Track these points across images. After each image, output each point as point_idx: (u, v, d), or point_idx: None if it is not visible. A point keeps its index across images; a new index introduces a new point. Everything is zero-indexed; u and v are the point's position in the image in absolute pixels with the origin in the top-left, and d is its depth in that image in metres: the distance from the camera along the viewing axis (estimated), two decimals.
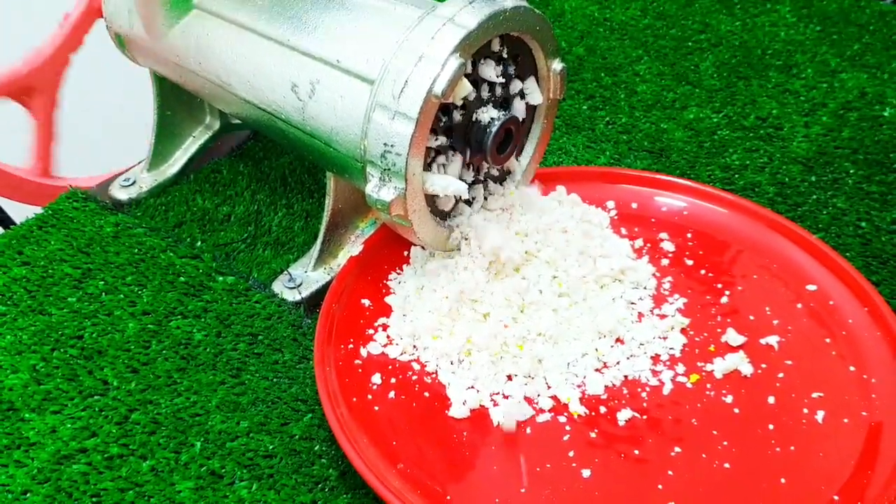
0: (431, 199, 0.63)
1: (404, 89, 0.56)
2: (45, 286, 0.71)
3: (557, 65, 0.65)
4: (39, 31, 0.84)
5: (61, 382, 0.63)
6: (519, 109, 0.66)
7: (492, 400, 0.60)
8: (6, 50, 0.84)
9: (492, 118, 0.62)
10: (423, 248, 0.67)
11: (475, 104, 0.62)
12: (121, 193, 0.81)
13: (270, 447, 0.59)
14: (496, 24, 0.58)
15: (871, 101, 0.91)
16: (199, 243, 0.76)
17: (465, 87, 0.58)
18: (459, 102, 0.60)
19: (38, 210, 0.79)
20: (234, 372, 0.64)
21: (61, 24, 0.83)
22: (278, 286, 0.71)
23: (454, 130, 0.61)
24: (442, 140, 0.60)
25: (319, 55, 0.62)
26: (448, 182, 0.60)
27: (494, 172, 0.68)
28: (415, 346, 0.63)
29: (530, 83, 0.65)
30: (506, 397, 0.60)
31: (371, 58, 0.59)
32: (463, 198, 0.66)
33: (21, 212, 0.82)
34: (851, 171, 0.82)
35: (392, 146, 0.57)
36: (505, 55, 0.62)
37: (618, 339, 0.64)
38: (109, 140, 0.96)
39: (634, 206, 0.75)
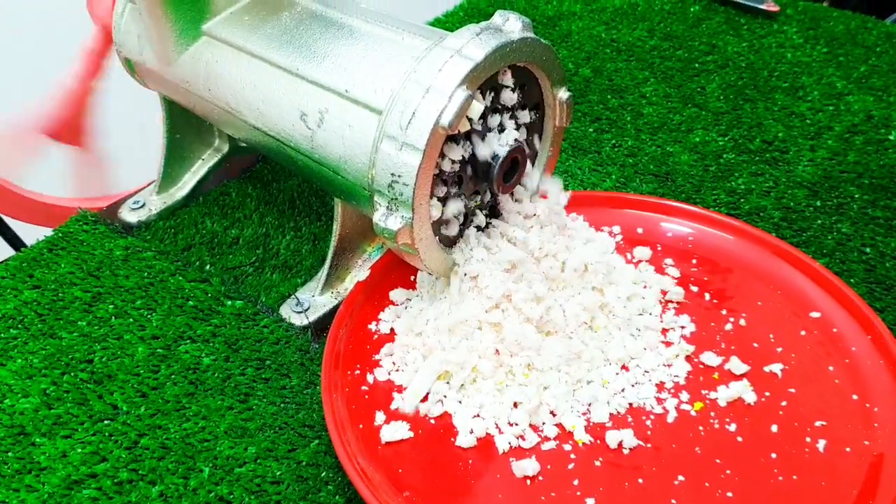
0: (438, 228, 0.63)
1: (412, 121, 0.57)
2: (55, 310, 0.72)
3: (563, 93, 0.66)
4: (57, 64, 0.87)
5: (71, 407, 0.64)
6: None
7: (497, 427, 0.60)
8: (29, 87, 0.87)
9: (498, 147, 0.62)
10: (429, 273, 0.68)
11: (482, 133, 0.62)
12: (130, 216, 0.82)
13: (278, 473, 0.60)
14: (503, 55, 0.59)
15: (876, 124, 0.92)
16: (207, 267, 0.77)
17: (477, 109, 0.59)
18: (472, 124, 0.60)
19: (49, 232, 0.80)
20: (242, 397, 0.65)
21: (82, 55, 0.85)
22: (286, 310, 0.71)
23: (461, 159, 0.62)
24: (449, 169, 0.61)
25: (328, 84, 0.63)
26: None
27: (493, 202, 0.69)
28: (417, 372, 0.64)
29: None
30: (511, 425, 0.60)
31: (379, 88, 0.60)
32: (471, 224, 0.66)
33: (31, 233, 0.83)
34: (857, 196, 0.82)
35: (399, 176, 0.57)
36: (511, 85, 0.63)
37: (623, 367, 0.64)
38: (119, 162, 0.97)
39: (640, 230, 0.75)
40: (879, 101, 0.95)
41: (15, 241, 0.97)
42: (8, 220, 0.96)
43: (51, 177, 0.89)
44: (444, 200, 0.62)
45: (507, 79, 0.62)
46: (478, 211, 0.67)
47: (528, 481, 0.57)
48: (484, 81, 0.59)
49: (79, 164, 0.92)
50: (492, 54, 0.58)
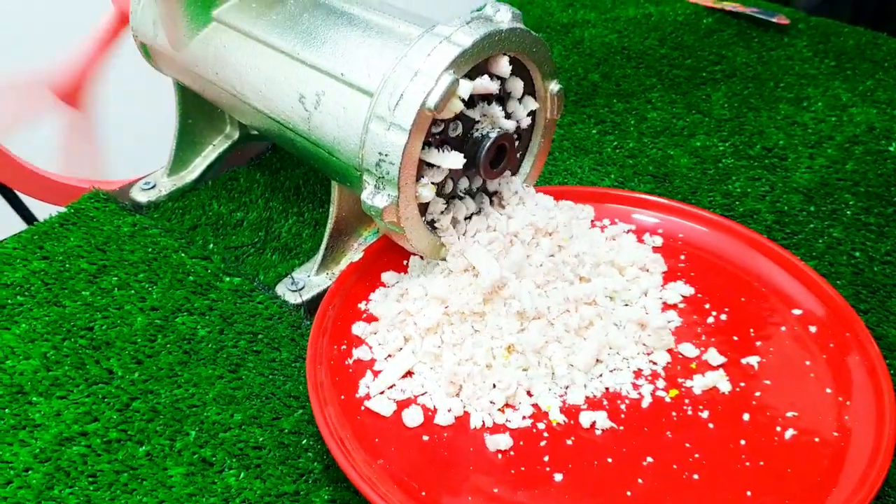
0: (425, 209, 0.65)
1: (399, 102, 0.59)
2: (61, 279, 0.75)
3: (554, 86, 0.68)
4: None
5: (69, 370, 0.67)
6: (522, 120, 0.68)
7: (474, 406, 0.62)
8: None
9: (485, 133, 0.64)
10: (420, 257, 0.70)
11: (470, 119, 0.64)
12: (141, 196, 0.85)
13: (260, 439, 0.62)
14: (491, 43, 0.61)
15: (878, 135, 0.93)
16: (210, 245, 0.79)
17: (466, 87, 0.60)
18: (456, 111, 0.62)
19: (62, 209, 0.83)
20: (232, 367, 0.67)
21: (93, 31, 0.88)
22: (281, 289, 0.74)
23: (450, 145, 0.64)
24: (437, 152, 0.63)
25: (326, 68, 0.65)
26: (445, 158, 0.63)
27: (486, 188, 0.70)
28: (401, 350, 0.66)
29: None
30: (490, 403, 0.62)
31: (372, 72, 0.62)
32: (459, 209, 0.68)
33: (45, 211, 0.86)
34: (851, 203, 0.83)
35: (386, 155, 0.60)
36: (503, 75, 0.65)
37: (602, 353, 0.65)
38: (136, 145, 1.00)
39: (632, 226, 0.77)
40: (883, 114, 0.96)
41: (29, 218, 1.01)
42: (23, 198, 0.99)
43: (46, 151, 0.92)
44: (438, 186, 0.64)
45: (502, 68, 0.64)
46: (466, 197, 0.68)
47: (500, 455, 0.59)
48: (473, 69, 0.61)
49: (72, 128, 0.95)
50: (479, 41, 0.60)
